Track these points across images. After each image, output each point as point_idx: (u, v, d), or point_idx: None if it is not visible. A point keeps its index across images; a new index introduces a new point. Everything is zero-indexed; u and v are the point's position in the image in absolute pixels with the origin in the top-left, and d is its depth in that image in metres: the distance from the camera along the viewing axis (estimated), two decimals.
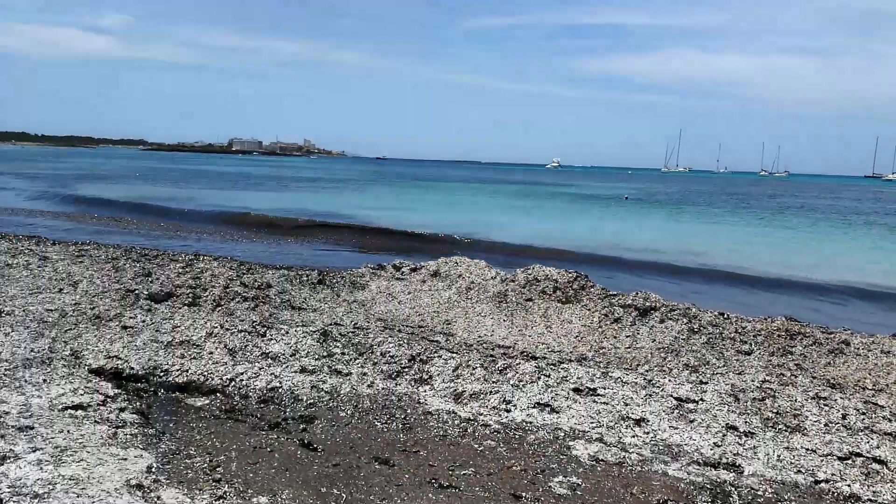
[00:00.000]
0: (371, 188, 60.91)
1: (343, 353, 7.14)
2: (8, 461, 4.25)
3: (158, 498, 4.07)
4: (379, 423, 5.84)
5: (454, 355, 7.21)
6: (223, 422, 5.67)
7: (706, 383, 6.92)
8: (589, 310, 9.34)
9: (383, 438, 5.55)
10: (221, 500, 4.21)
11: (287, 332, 7.38)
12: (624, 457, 5.53)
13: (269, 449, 5.13)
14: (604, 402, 6.41)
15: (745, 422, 6.19)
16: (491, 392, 6.49)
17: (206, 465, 4.73)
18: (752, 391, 6.76)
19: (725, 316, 8.88)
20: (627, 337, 8.44)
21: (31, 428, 4.79)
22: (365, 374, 6.79)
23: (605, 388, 6.60)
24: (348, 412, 6.02)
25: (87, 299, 7.85)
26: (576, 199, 55.77)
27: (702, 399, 6.55)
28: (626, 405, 6.34)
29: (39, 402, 5.28)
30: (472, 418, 6.09)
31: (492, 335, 8.70)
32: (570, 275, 10.23)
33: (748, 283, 17.87)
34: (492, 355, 7.49)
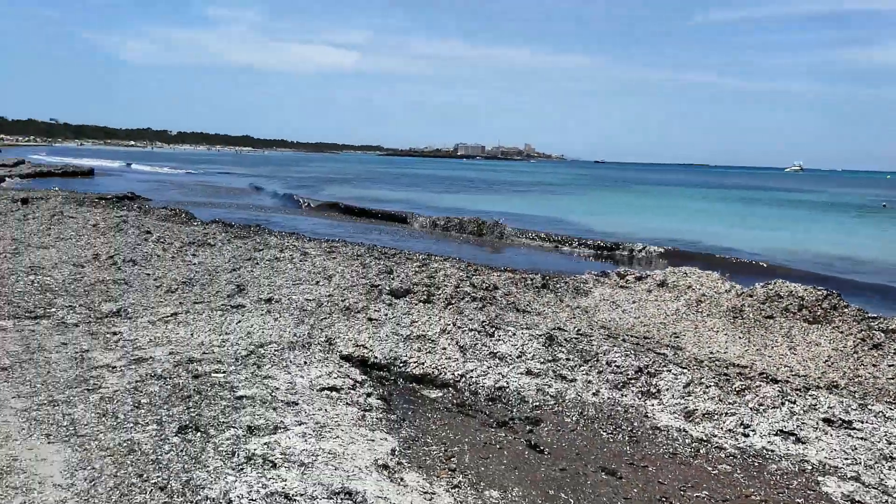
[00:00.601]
0: (580, 192, 60.00)
1: (568, 359, 7.17)
2: (280, 431, 4.90)
3: (402, 479, 4.44)
4: (604, 433, 5.79)
5: (684, 370, 6.90)
6: (455, 415, 6.00)
7: None
8: (842, 332, 8.39)
9: (609, 449, 5.49)
10: (457, 489, 4.47)
11: (514, 334, 7.59)
12: (887, 501, 4.91)
13: (498, 446, 5.33)
14: (861, 438, 5.73)
15: None
16: (726, 413, 6.11)
17: (441, 454, 5.05)
18: None
19: None
20: (891, 366, 7.45)
21: (297, 404, 5.46)
22: (590, 381, 6.77)
23: (863, 422, 5.90)
24: (573, 418, 6.05)
25: (339, 292, 8.76)
26: (818, 207, 49.07)
27: None
28: (890, 443, 5.61)
29: (302, 381, 6.00)
30: (704, 439, 5.79)
31: (725, 352, 8.18)
32: (818, 292, 9.27)
33: None
34: (726, 374, 7.05)
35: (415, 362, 6.92)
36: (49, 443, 4.50)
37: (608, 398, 6.48)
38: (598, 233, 23.91)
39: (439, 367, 6.85)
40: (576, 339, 7.73)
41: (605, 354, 7.22)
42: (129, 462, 4.25)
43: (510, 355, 7.15)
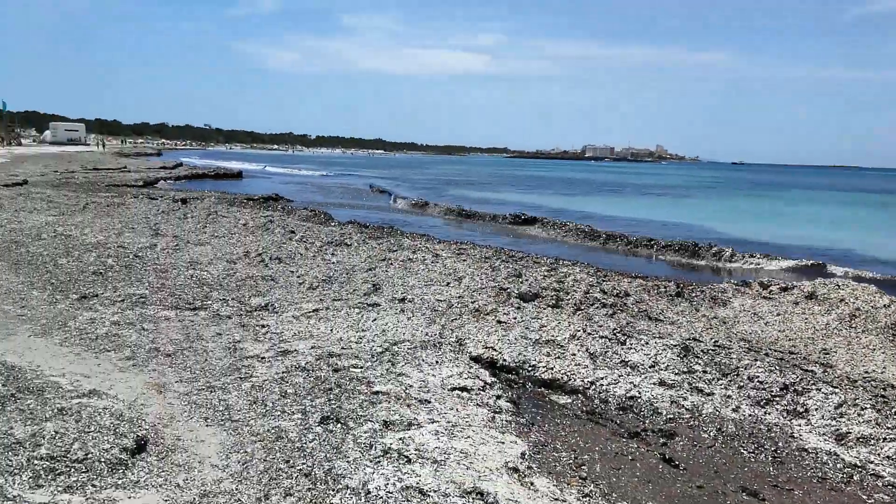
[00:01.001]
0: (714, 196, 56.69)
1: (704, 372, 6.88)
2: (414, 427, 5.07)
3: (532, 484, 4.45)
4: (745, 452, 5.51)
5: (836, 390, 6.42)
6: (584, 422, 5.93)
7: None
8: None
9: (751, 469, 5.22)
10: (588, 499, 4.43)
11: (646, 343, 7.39)
12: None
13: (630, 457, 5.21)
14: None
15: None
16: (885, 439, 5.62)
17: (571, 461, 5.02)
18: None
19: None
20: None
21: (429, 402, 5.62)
22: (729, 396, 6.46)
23: None
24: (711, 434, 5.80)
25: (468, 294, 8.90)
26: None
27: None
28: None
29: (434, 380, 6.16)
30: (859, 465, 5.36)
31: (883, 372, 7.53)
32: None
33: None
34: (884, 396, 6.49)
35: (543, 367, 6.91)
36: (207, 425, 4.92)
37: (749, 415, 6.15)
38: (733, 240, 22.66)
39: (568, 373, 6.79)
40: (713, 350, 7.40)
41: (746, 369, 6.86)
42: (277, 448, 4.56)
43: (642, 364, 6.97)
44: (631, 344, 7.40)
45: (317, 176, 60.56)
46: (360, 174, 69.30)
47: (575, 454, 5.16)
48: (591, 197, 47.88)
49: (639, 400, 6.36)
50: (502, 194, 45.62)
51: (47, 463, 3.87)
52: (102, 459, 4.01)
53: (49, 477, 3.77)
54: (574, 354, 7.14)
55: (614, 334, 7.59)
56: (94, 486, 3.78)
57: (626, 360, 7.06)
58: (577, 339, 7.43)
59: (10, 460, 3.85)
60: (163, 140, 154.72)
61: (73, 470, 3.87)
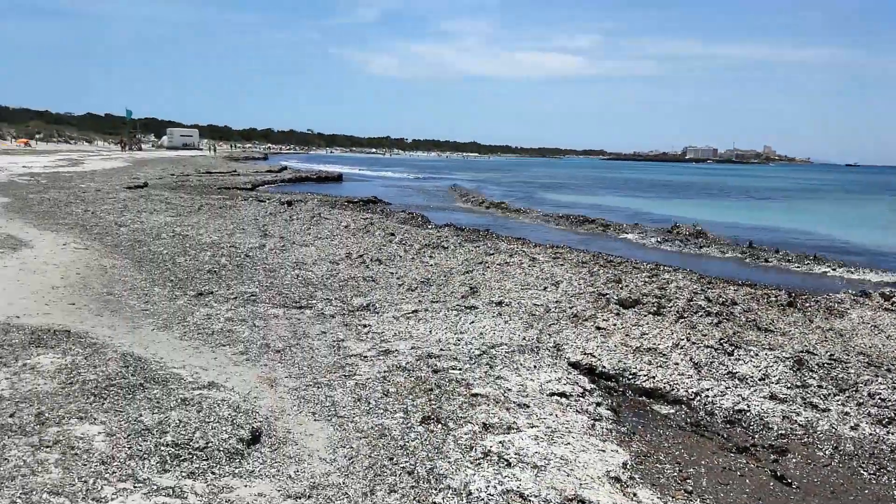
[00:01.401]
0: (829, 200, 53.08)
1: (819, 387, 6.52)
2: (513, 431, 5.09)
3: (634, 495, 4.37)
4: (865, 473, 5.18)
5: None
6: (689, 434, 5.75)
7: None
8: None
9: (872, 491, 4.91)
10: None
11: (756, 355, 7.08)
12: None
13: (738, 473, 5.02)
14: None
15: None
16: None
17: (675, 473, 4.89)
18: None
19: None
20: None
21: (528, 406, 5.62)
22: (847, 413, 6.09)
23: None
24: (826, 452, 5.49)
25: (566, 299, 8.82)
26: None
27: None
28: None
29: (532, 384, 6.16)
30: None
31: None
32: None
33: None
34: None
35: (645, 375, 6.76)
36: (315, 420, 5.12)
37: (870, 434, 5.78)
38: (850, 248, 21.24)
39: (671, 383, 6.61)
40: (829, 364, 7.01)
41: (865, 385, 6.45)
42: (381, 445, 4.70)
43: (751, 377, 6.68)
44: (739, 355, 7.11)
45: (413, 179, 61.58)
46: (456, 177, 69.85)
47: (679, 467, 5.02)
48: (689, 200, 46.18)
49: (747, 413, 6.10)
50: (598, 197, 44.80)
51: (172, 449, 4.16)
52: (221, 448, 4.26)
53: (174, 463, 4.05)
54: (677, 364, 6.95)
55: (720, 344, 7.32)
56: (213, 473, 4.03)
57: (734, 371, 6.79)
58: (681, 347, 7.22)
59: (141, 446, 4.16)
60: (269, 144, 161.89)
61: (195, 457, 4.14)
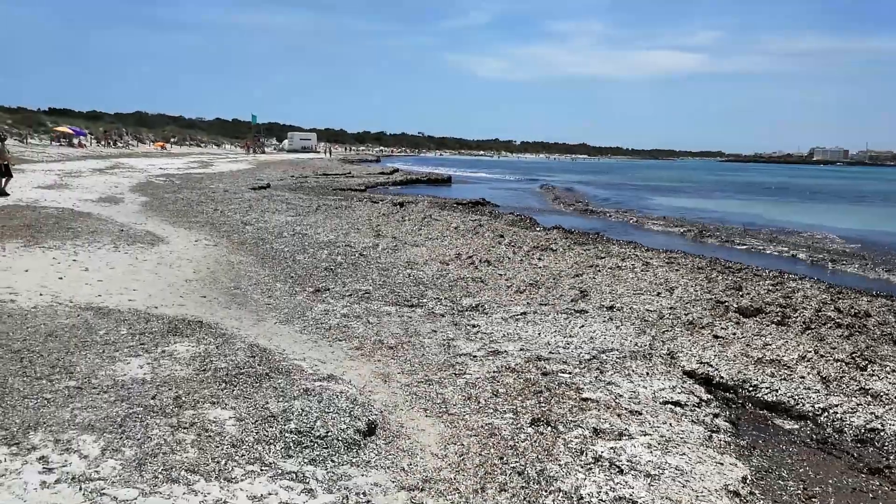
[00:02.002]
0: None
1: None
2: (624, 438, 5.00)
3: None
4: None
5: None
6: (815, 452, 5.43)
7: None
8: None
9: None
10: None
11: (892, 371, 6.58)
12: None
13: (871, 495, 4.69)
14: None
15: None
16: None
17: (800, 492, 4.63)
18: None
19: None
20: None
21: (640, 413, 5.50)
22: None
23: None
24: None
25: (681, 305, 8.54)
26: None
27: None
28: None
29: (645, 391, 6.01)
30: None
31: None
32: None
33: None
34: None
35: (766, 388, 6.43)
36: (426, 416, 5.25)
37: None
38: None
39: (796, 397, 6.26)
40: None
41: None
42: (491, 444, 4.75)
43: (886, 394, 6.21)
44: (872, 370, 6.63)
45: (520, 181, 61.38)
46: (565, 179, 69.00)
47: (804, 485, 4.76)
48: (819, 205, 43.21)
49: (882, 433, 5.68)
50: (715, 201, 42.85)
51: (296, 437, 4.40)
52: (340, 438, 4.46)
53: (297, 449, 4.28)
54: (803, 377, 6.57)
55: (852, 358, 6.85)
56: (332, 461, 4.23)
57: (867, 387, 6.34)
58: (807, 360, 6.82)
59: (267, 432, 4.43)
60: (381, 147, 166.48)
61: (316, 445, 4.35)
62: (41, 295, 7.57)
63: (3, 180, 17.09)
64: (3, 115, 61.51)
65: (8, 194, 16.72)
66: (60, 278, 8.48)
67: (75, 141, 56.16)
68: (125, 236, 12.05)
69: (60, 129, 58.47)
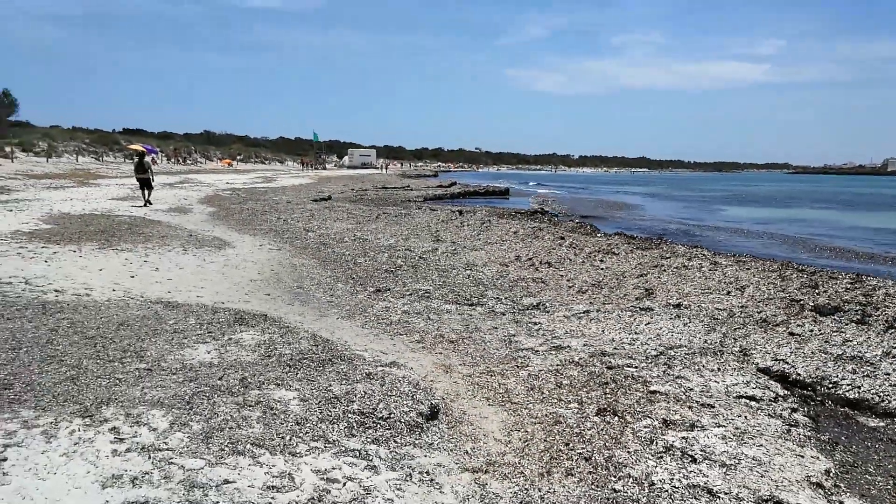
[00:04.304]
0: None
1: None
2: (697, 429, 4.79)
3: (841, 502, 3.94)
4: None
5: None
6: None
7: None
8: None
9: None
10: None
11: None
12: None
13: None
14: None
15: None
16: None
17: (889, 487, 4.33)
18: None
19: None
20: None
21: (712, 406, 5.27)
22: None
23: None
24: None
25: (753, 303, 8.20)
26: None
27: None
28: None
29: (716, 386, 5.77)
30: None
31: None
32: None
33: None
34: None
35: (848, 384, 6.08)
36: (489, 405, 5.16)
37: None
38: None
39: (881, 395, 5.89)
40: None
41: None
42: (556, 431, 4.63)
43: None
44: None
45: (579, 193, 60.71)
46: (623, 191, 67.87)
47: (893, 479, 4.45)
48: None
49: None
50: (788, 210, 41.35)
51: (358, 417, 4.38)
52: (402, 420, 4.42)
53: (360, 429, 4.26)
54: (888, 374, 6.18)
55: None
56: (395, 442, 4.18)
57: None
58: (893, 356, 6.42)
59: (330, 412, 4.42)
60: (439, 163, 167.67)
61: (378, 426, 4.32)
62: (114, 290, 7.83)
63: (146, 192, 19.54)
64: (83, 135, 64.67)
65: (151, 203, 18.27)
66: (132, 276, 8.77)
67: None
68: (193, 241, 12.41)
69: (134, 146, 61.05)
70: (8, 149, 43.96)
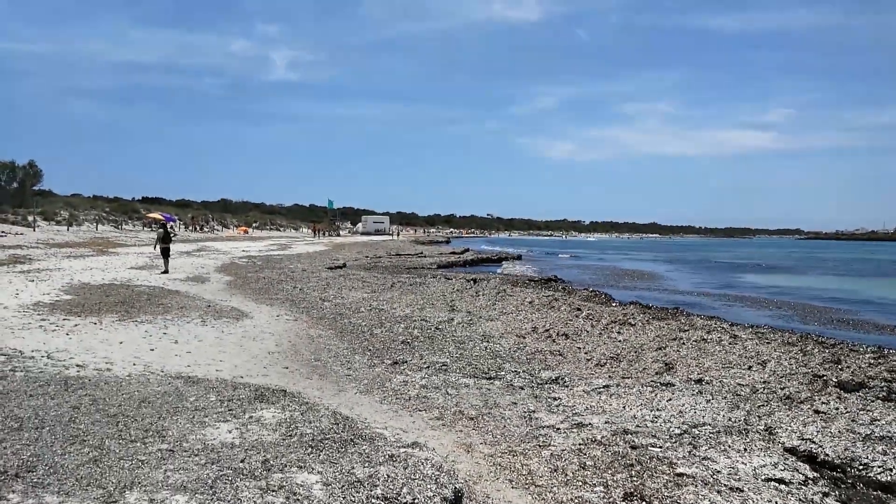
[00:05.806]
0: None
1: None
2: None
3: None
4: None
5: None
6: None
7: None
8: None
9: None
10: None
11: None
12: None
13: None
14: None
15: None
16: None
17: None
18: None
19: None
20: None
21: (742, 491, 5.15)
22: None
23: None
24: None
25: (775, 379, 8.10)
26: None
27: None
28: None
29: (744, 468, 5.65)
30: None
31: None
32: None
33: None
34: None
35: (879, 466, 5.94)
36: (512, 487, 5.08)
37: None
38: None
39: None
40: None
41: None
42: None
43: None
44: None
45: (591, 260, 60.79)
46: (634, 258, 67.93)
47: None
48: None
49: None
50: (802, 278, 41.11)
51: (382, 502, 4.31)
52: None
53: None
54: None
55: None
56: None
57: None
58: None
59: (354, 497, 4.36)
60: (451, 229, 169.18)
61: None
62: (134, 365, 7.87)
63: (166, 260, 20.59)
64: (103, 203, 66.05)
65: (168, 272, 18.78)
66: (152, 350, 8.82)
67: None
68: (212, 312, 12.50)
69: (152, 215, 62.23)
70: (31, 218, 44.92)
